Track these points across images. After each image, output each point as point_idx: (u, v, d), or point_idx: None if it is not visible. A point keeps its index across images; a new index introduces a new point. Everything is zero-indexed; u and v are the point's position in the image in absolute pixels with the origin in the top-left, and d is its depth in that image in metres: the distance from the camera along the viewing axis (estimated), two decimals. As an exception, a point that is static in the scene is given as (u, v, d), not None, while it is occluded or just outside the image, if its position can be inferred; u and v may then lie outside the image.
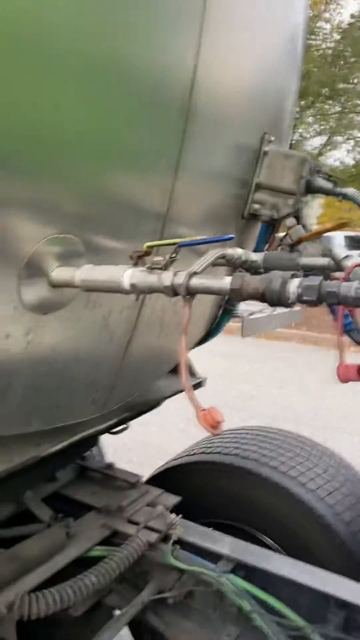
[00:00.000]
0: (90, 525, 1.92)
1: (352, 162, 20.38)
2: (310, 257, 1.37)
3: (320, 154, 19.20)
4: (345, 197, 1.71)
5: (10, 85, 0.86)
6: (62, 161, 1.00)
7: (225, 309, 1.99)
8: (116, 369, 1.39)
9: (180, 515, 1.89)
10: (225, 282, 0.90)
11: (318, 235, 1.46)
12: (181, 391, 2.07)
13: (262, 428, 2.84)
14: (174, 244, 0.97)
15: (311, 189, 1.72)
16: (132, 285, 0.97)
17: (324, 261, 1.33)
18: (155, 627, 1.92)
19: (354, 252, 1.71)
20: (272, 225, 1.70)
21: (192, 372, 2.18)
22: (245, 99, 1.49)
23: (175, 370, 1.84)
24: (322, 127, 19.36)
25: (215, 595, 1.93)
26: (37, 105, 0.91)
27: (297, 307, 2.70)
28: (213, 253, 1.18)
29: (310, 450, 2.56)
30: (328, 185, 1.71)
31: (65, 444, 1.46)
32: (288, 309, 2.54)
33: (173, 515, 1.86)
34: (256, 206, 1.65)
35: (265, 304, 2.28)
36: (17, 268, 0.99)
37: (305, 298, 0.82)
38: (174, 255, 0.95)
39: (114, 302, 1.25)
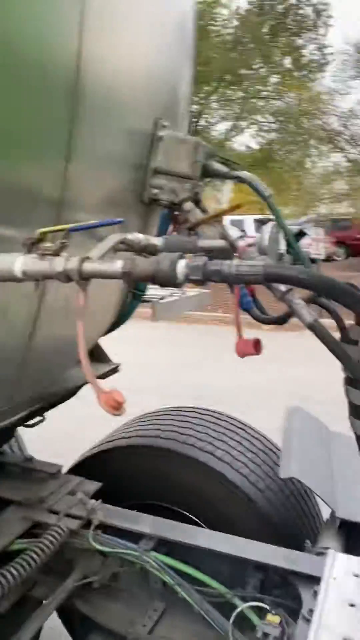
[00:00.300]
0: (10, 519, 1.91)
1: (257, 147, 20.97)
2: (209, 240, 1.42)
3: (226, 139, 19.56)
4: (240, 180, 1.77)
5: None
6: None
7: (133, 294, 2.01)
8: (20, 360, 1.37)
9: (100, 500, 1.91)
10: (116, 265, 0.92)
11: (215, 218, 1.51)
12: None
13: (178, 408, 2.91)
14: (64, 230, 0.97)
15: (207, 173, 1.77)
16: (24, 273, 0.97)
17: (220, 243, 1.39)
18: (83, 612, 1.95)
19: (251, 237, 1.79)
20: (172, 209, 1.74)
21: (105, 359, 2.19)
22: (135, 82, 1.51)
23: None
24: (226, 113, 19.72)
25: (139, 574, 1.98)
26: None
27: (207, 290, 2.78)
28: (113, 238, 1.20)
29: (225, 426, 2.65)
30: (223, 169, 1.77)
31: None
32: (198, 292, 2.62)
33: (93, 501, 1.88)
34: (155, 191, 1.68)
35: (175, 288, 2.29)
36: None
37: (192, 277, 0.86)
38: (64, 241, 0.96)
39: (11, 292, 1.23)
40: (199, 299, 2.50)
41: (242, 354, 1.26)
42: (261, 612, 1.72)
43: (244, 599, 1.74)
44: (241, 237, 1.30)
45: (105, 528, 1.92)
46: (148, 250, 1.41)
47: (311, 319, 1.14)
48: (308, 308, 1.16)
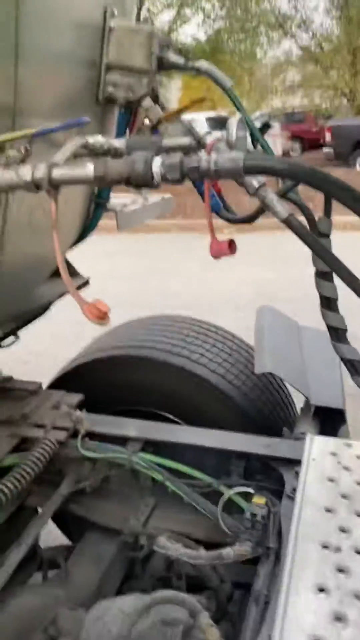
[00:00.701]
0: (-4, 438, 1.94)
1: (204, 38, 19.74)
2: (173, 138, 1.35)
3: (170, 30, 18.26)
4: (198, 71, 1.67)
5: None
6: None
7: (97, 203, 1.94)
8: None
9: (84, 410, 1.96)
10: (88, 169, 0.87)
11: (177, 114, 1.44)
12: (64, 294, 2.05)
13: (150, 317, 2.94)
14: (27, 135, 0.91)
15: (163, 66, 1.65)
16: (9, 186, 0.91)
17: (185, 141, 1.32)
18: (78, 514, 2.05)
19: (216, 133, 1.72)
20: (129, 108, 1.64)
21: (74, 272, 2.15)
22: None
23: (57, 273, 1.80)
24: (169, 1, 18.32)
25: (129, 474, 2.08)
26: None
27: (168, 195, 2.71)
28: (74, 142, 1.13)
29: (197, 329, 2.70)
30: (180, 60, 1.66)
31: None
32: (161, 198, 2.55)
33: (78, 412, 1.93)
34: (110, 88, 1.57)
35: (137, 196, 2.24)
36: None
37: (169, 176, 0.82)
38: (29, 148, 0.90)
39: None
40: (162, 204, 2.44)
41: (216, 254, 1.25)
42: (247, 497, 1.85)
43: (230, 487, 1.86)
44: (208, 132, 1.24)
45: (92, 436, 1.98)
46: (110, 154, 1.35)
47: (286, 214, 1.12)
48: (282, 203, 1.14)
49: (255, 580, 1.47)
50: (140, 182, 0.84)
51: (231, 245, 1.24)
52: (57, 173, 0.88)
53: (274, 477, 1.90)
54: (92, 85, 1.54)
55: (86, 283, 2.21)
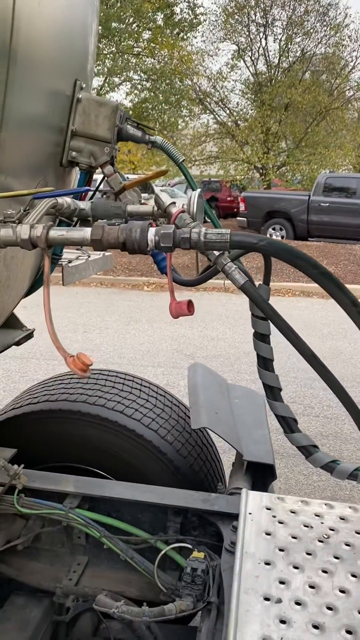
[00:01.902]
0: None
1: (129, 105, 20.66)
2: (136, 205, 1.45)
3: (98, 95, 19.00)
4: (154, 145, 1.81)
5: None
6: None
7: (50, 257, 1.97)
8: None
9: (22, 465, 1.91)
10: (85, 232, 0.94)
11: (139, 183, 1.54)
12: (11, 345, 2.04)
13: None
14: (25, 195, 0.97)
15: (122, 137, 1.78)
16: (-20, 242, 0.95)
17: (147, 208, 1.43)
18: (7, 575, 1.97)
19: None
20: (89, 172, 1.73)
21: (19, 325, 2.15)
22: (59, 41, 1.46)
23: (3, 325, 1.80)
24: (98, 68, 19.13)
25: (61, 532, 2.04)
26: None
27: (109, 253, 2.80)
28: (45, 203, 1.20)
29: (130, 385, 2.74)
30: (137, 133, 1.80)
31: None
32: (102, 255, 2.63)
33: (15, 466, 1.88)
34: (74, 154, 1.66)
35: (80, 252, 2.32)
36: None
37: (162, 245, 0.91)
38: (27, 208, 0.95)
39: None
40: (103, 261, 2.52)
41: (176, 314, 1.33)
42: (183, 553, 1.87)
43: (167, 542, 1.88)
44: (173, 203, 1.35)
45: (26, 491, 1.93)
46: (77, 215, 1.42)
47: (243, 281, 1.24)
48: (239, 271, 1.26)
49: (198, 635, 1.49)
50: (136, 248, 0.91)
51: (190, 306, 1.33)
52: (54, 234, 0.93)
53: (209, 531, 1.94)
54: (58, 149, 1.62)
55: (30, 335, 2.21)
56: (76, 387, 2.65)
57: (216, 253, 1.29)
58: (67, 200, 1.35)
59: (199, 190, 1.36)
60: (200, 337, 8.48)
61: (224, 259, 1.26)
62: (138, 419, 2.46)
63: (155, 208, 1.42)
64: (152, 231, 0.94)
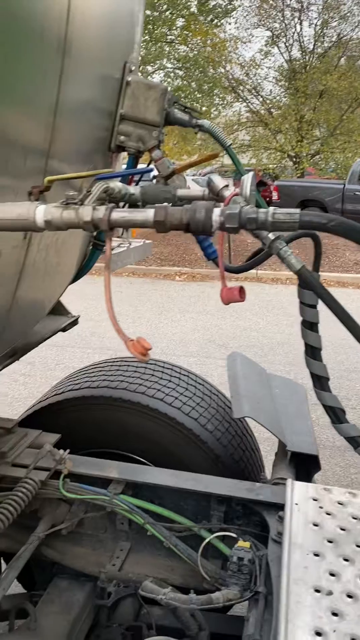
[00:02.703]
0: (-28, 476, 1.88)
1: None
2: (187, 189, 1.43)
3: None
4: (201, 128, 1.78)
5: None
6: None
7: (94, 244, 1.98)
8: (5, 313, 1.33)
9: (68, 450, 1.93)
10: (148, 214, 0.92)
11: (193, 166, 1.52)
12: (57, 331, 2.05)
13: (122, 359, 2.95)
14: (77, 177, 0.95)
15: (169, 121, 1.75)
16: (47, 222, 0.94)
17: (198, 192, 1.40)
18: (52, 558, 1.99)
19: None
20: (137, 157, 1.72)
21: (64, 312, 2.16)
22: (110, 26, 1.45)
23: (52, 312, 1.81)
24: (131, 56, 19.03)
25: (103, 518, 2.05)
26: None
27: (148, 241, 2.79)
28: (99, 186, 1.18)
29: (169, 373, 2.73)
30: (185, 117, 1.77)
31: None
32: (142, 243, 2.61)
33: (61, 451, 1.90)
34: (122, 138, 1.64)
35: (120, 239, 2.30)
36: None
37: (227, 225, 0.88)
38: (89, 190, 0.94)
39: (3, 242, 1.19)
40: (143, 249, 2.51)
41: (227, 301, 1.31)
42: (226, 542, 1.86)
43: (210, 531, 1.87)
44: (226, 186, 1.32)
45: (71, 476, 1.95)
46: (126, 199, 1.41)
47: (299, 266, 1.20)
48: (295, 256, 1.23)
49: (245, 625, 1.47)
50: (199, 229, 0.89)
51: (241, 292, 1.31)
52: (116, 215, 0.92)
53: (253, 521, 1.93)
54: (107, 134, 1.61)
55: (75, 322, 2.22)
56: (116, 375, 2.65)
57: (271, 236, 1.26)
58: (118, 184, 1.33)
59: (251, 173, 1.33)
60: (233, 327, 8.44)
61: (279, 243, 1.23)
62: (178, 407, 2.45)
63: (206, 192, 1.39)
64: (216, 212, 0.91)
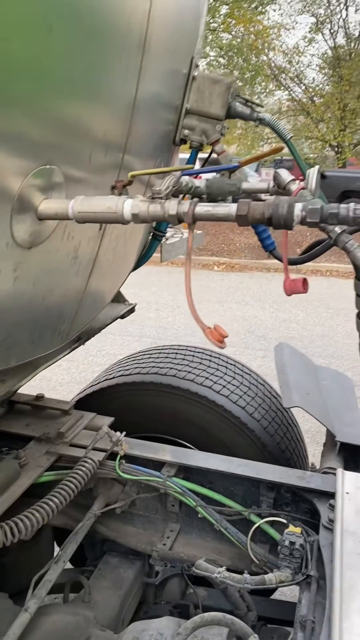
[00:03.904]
0: (34, 454, 1.97)
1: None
2: (251, 183, 1.46)
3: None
4: (262, 122, 1.80)
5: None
6: (34, 94, 0.96)
7: (154, 235, 2.04)
8: (79, 298, 1.40)
9: (124, 433, 2.00)
10: (231, 208, 0.97)
11: (257, 160, 1.55)
12: (117, 318, 2.12)
13: (170, 346, 3.01)
14: (159, 172, 1.00)
15: (230, 114, 1.78)
16: (134, 215, 1.00)
17: (263, 185, 1.44)
18: (107, 536, 2.08)
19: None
20: (198, 150, 1.76)
21: (122, 299, 2.23)
22: (179, 21, 1.48)
23: (114, 299, 1.88)
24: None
25: (155, 499, 2.12)
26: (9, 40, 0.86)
27: (200, 231, 2.83)
28: (170, 180, 1.23)
29: (217, 362, 2.78)
30: (246, 110, 1.80)
31: (29, 378, 1.47)
32: (195, 233, 2.65)
33: (118, 433, 1.97)
34: (186, 132, 1.69)
35: (173, 229, 2.35)
36: (10, 203, 0.96)
37: (309, 220, 0.92)
38: (175, 186, 0.99)
39: (83, 233, 1.25)
40: (196, 239, 2.55)
41: (290, 292, 1.34)
42: (275, 527, 1.90)
43: (260, 516, 1.92)
44: (293, 180, 1.35)
45: (126, 458, 2.02)
46: (192, 192, 1.45)
47: (365, 260, 1.23)
48: (360, 249, 1.25)
49: (298, 607, 1.52)
50: (281, 223, 0.93)
51: (304, 284, 1.34)
52: (199, 209, 0.97)
53: (302, 508, 1.97)
54: (172, 127, 1.65)
55: (132, 309, 2.28)
56: (165, 362, 2.71)
57: (337, 230, 1.28)
58: (185, 178, 1.38)
59: (317, 166, 1.36)
60: (272, 318, 8.42)
61: (345, 237, 1.26)
62: (226, 395, 2.49)
63: (271, 185, 1.43)
64: (298, 207, 0.95)
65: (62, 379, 5.90)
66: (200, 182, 1.48)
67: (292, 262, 1.73)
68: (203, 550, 2.05)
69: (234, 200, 1.28)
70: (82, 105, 1.09)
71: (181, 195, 1.37)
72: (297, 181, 1.34)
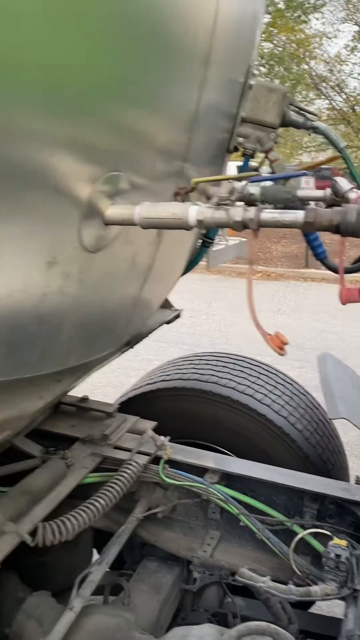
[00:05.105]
0: (79, 455, 2.00)
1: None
2: (306, 190, 1.46)
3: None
4: (315, 130, 1.80)
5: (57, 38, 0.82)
6: (103, 103, 0.99)
7: (204, 241, 2.05)
8: (134, 303, 1.42)
9: (168, 437, 2.01)
10: (298, 215, 0.97)
11: (314, 167, 1.55)
12: (163, 323, 2.14)
13: (211, 353, 3.02)
14: (221, 179, 1.01)
15: (284, 122, 1.79)
16: (199, 222, 1.01)
17: (319, 193, 1.44)
18: (147, 540, 2.08)
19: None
20: (250, 157, 1.77)
21: (169, 305, 2.25)
22: (238, 31, 1.50)
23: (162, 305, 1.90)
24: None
25: (196, 505, 2.12)
26: (75, 55, 0.88)
27: (244, 239, 2.83)
28: (227, 188, 1.24)
29: (258, 370, 2.77)
30: (300, 119, 1.80)
31: (84, 378, 1.50)
32: (239, 241, 2.66)
33: (162, 438, 1.98)
34: (240, 140, 1.70)
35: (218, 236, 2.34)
36: (80, 208, 0.99)
37: (379, 228, 0.92)
38: (240, 193, 1.00)
39: (142, 238, 1.28)
40: (239, 246, 2.56)
41: (346, 301, 1.34)
42: (317, 539, 1.88)
43: (303, 527, 1.90)
44: (351, 188, 1.35)
45: (169, 462, 2.03)
46: (246, 199, 1.46)
47: None
48: None
49: (344, 621, 1.50)
50: (349, 231, 0.93)
51: (360, 293, 1.33)
52: (265, 216, 0.98)
53: (347, 521, 1.94)
54: (227, 135, 1.67)
55: (178, 315, 2.30)
56: (206, 369, 2.72)
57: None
58: (239, 184, 1.39)
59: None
60: (309, 328, 8.32)
61: None
62: (268, 404, 2.48)
63: (327, 193, 1.42)
64: (368, 215, 0.95)
65: (98, 382, 5.94)
66: (254, 189, 1.48)
67: (346, 271, 1.71)
68: (243, 559, 2.04)
69: (287, 208, 1.29)
70: (149, 115, 1.11)
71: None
72: (356, 190, 1.34)
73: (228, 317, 8.73)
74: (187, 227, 1.03)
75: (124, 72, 0.98)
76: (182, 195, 1.05)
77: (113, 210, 1.06)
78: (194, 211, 1.02)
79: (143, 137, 1.11)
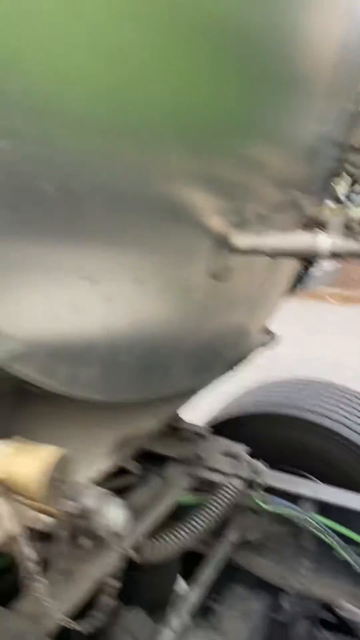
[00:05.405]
0: (174, 474, 2.02)
1: None
2: None
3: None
4: None
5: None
6: (234, 140, 1.03)
7: (306, 267, 2.05)
8: (243, 328, 1.44)
9: (263, 462, 2.00)
10: None
11: None
12: (262, 346, 2.14)
13: (299, 379, 2.99)
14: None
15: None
16: (332, 252, 1.03)
17: None
18: (241, 565, 2.07)
19: None
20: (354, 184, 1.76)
21: (265, 329, 2.26)
22: (353, 60, 1.51)
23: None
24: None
25: (290, 533, 2.08)
26: (213, 98, 0.93)
27: (340, 265, 2.80)
28: (341, 216, 1.25)
29: (349, 398, 2.71)
30: None
31: (189, 400, 1.52)
32: (334, 268, 2.64)
33: (258, 463, 1.98)
34: (349, 167, 1.70)
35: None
36: (210, 239, 1.04)
37: None
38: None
39: (257, 266, 1.30)
40: (334, 273, 2.54)
41: None
42: None
43: None
44: None
45: (264, 488, 2.01)
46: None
47: None
48: None
49: None
50: None
51: None
52: None
53: None
54: (336, 164, 1.68)
55: (274, 338, 2.30)
56: (294, 394, 2.70)
57: None
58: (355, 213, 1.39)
59: None
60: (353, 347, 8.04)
61: None
62: (359, 432, 2.42)
63: None
64: None
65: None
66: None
67: None
68: (337, 592, 1.98)
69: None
70: (273, 151, 1.15)
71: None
72: None
73: (305, 340, 8.59)
74: (318, 257, 1.05)
75: (254, 113, 1.02)
76: (309, 225, 1.07)
77: (241, 240, 1.10)
78: (328, 243, 1.04)
79: (267, 170, 1.15)
